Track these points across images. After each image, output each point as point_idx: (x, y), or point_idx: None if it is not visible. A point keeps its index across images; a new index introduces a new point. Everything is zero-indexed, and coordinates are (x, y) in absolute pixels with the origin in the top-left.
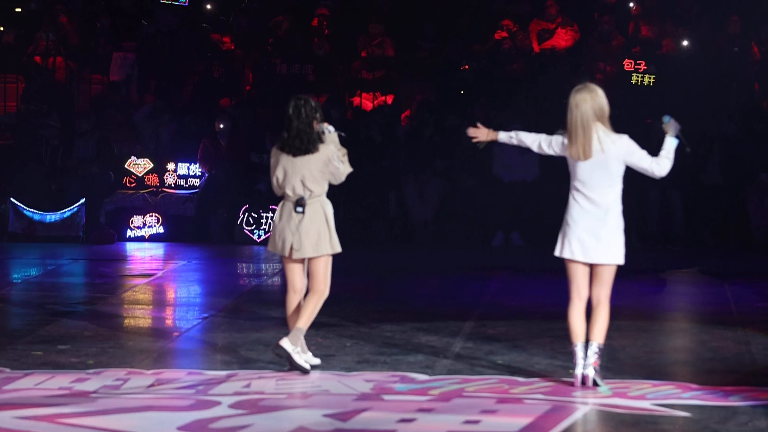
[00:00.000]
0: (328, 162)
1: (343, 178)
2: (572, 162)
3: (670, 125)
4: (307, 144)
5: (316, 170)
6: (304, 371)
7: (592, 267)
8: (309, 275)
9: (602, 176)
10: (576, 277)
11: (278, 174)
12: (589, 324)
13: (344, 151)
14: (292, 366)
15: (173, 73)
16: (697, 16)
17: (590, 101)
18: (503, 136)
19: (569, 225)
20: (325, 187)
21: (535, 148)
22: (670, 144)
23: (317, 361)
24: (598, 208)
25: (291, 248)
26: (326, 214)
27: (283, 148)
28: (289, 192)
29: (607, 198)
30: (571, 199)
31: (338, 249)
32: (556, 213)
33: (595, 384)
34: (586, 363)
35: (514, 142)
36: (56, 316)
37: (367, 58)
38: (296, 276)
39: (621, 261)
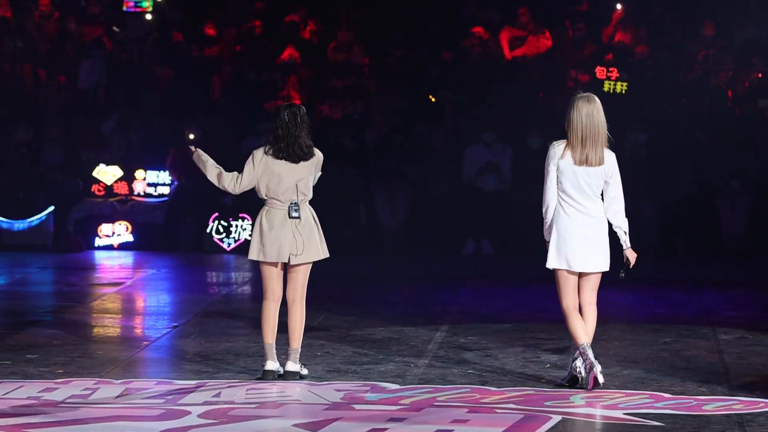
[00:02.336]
0: (317, 165)
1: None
2: (568, 170)
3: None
4: (304, 150)
5: (310, 175)
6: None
7: (580, 274)
8: (289, 282)
9: (595, 186)
10: (569, 286)
11: (271, 179)
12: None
13: None
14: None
15: (142, 80)
16: (670, 23)
17: (602, 113)
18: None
19: (563, 236)
20: (312, 192)
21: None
22: (624, 237)
23: (297, 367)
24: (591, 217)
25: (289, 255)
26: (315, 219)
27: (277, 155)
28: (280, 198)
29: (596, 207)
30: (560, 210)
31: (327, 254)
32: (526, 221)
33: (596, 382)
34: (582, 367)
35: (550, 217)
36: (24, 325)
37: (336, 65)
38: (276, 283)
39: (608, 267)
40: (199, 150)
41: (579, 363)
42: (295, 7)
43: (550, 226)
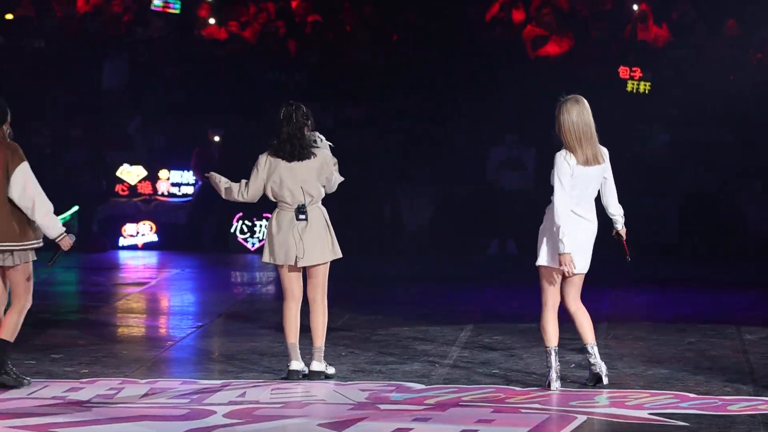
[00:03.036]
0: (323, 166)
1: (335, 188)
2: (580, 175)
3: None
4: (300, 149)
5: (315, 175)
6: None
7: (564, 277)
8: (309, 282)
9: (596, 186)
10: (556, 285)
11: (274, 181)
12: (580, 328)
13: (335, 160)
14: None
15: (165, 80)
16: (693, 22)
17: (590, 112)
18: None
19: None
20: (322, 193)
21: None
22: (622, 221)
23: (322, 366)
24: (587, 221)
25: (296, 258)
26: (326, 220)
27: (276, 154)
28: (287, 199)
29: (592, 211)
30: None
31: (339, 254)
32: None
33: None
34: (598, 362)
35: (565, 225)
36: (49, 325)
37: (358, 65)
38: (295, 284)
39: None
40: (213, 174)
41: (594, 360)
42: (316, 6)
43: (558, 228)
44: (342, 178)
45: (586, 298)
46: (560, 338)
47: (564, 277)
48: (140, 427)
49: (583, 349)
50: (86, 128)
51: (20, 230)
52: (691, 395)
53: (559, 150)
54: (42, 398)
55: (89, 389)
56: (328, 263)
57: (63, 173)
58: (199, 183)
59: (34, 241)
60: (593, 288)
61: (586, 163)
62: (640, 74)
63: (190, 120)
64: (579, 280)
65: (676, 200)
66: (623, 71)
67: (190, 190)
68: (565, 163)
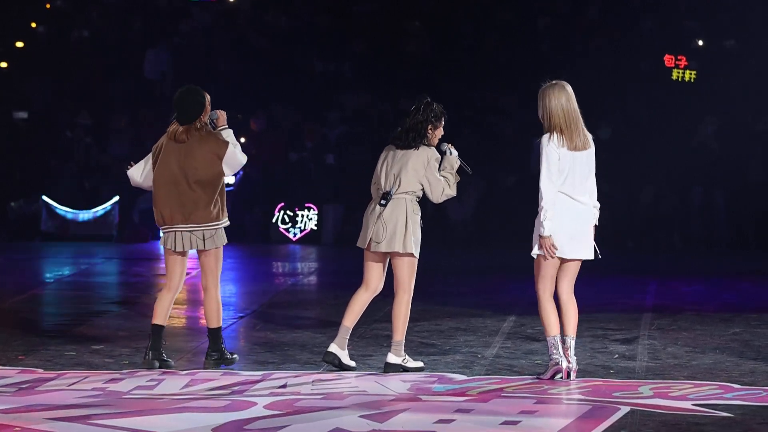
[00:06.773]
0: (426, 164)
1: (439, 197)
2: (565, 159)
3: None
4: (411, 140)
5: (412, 167)
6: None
7: (561, 263)
8: (393, 275)
9: (586, 170)
10: (552, 273)
11: (380, 166)
12: (565, 318)
13: (454, 175)
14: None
15: (208, 70)
16: (740, 10)
17: (575, 98)
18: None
19: (555, 223)
20: (416, 188)
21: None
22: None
23: (353, 363)
24: (582, 203)
25: (370, 241)
26: (407, 213)
27: (394, 140)
28: (381, 183)
29: (584, 195)
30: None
31: (409, 249)
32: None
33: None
34: (571, 356)
35: (549, 209)
36: (90, 316)
37: (405, 56)
38: (370, 273)
39: (593, 255)
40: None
41: (569, 353)
42: None
43: (541, 209)
44: (453, 193)
45: (631, 289)
46: (604, 328)
47: (561, 264)
48: (180, 419)
49: (563, 340)
50: (129, 118)
51: (216, 213)
52: (736, 386)
53: (543, 135)
54: (82, 389)
55: (129, 381)
56: (412, 259)
57: (106, 163)
58: (240, 173)
59: (225, 221)
60: (639, 279)
61: (575, 148)
62: (686, 63)
63: (233, 109)
64: (575, 268)
65: (724, 190)
66: (668, 60)
67: (231, 180)
68: (551, 147)
